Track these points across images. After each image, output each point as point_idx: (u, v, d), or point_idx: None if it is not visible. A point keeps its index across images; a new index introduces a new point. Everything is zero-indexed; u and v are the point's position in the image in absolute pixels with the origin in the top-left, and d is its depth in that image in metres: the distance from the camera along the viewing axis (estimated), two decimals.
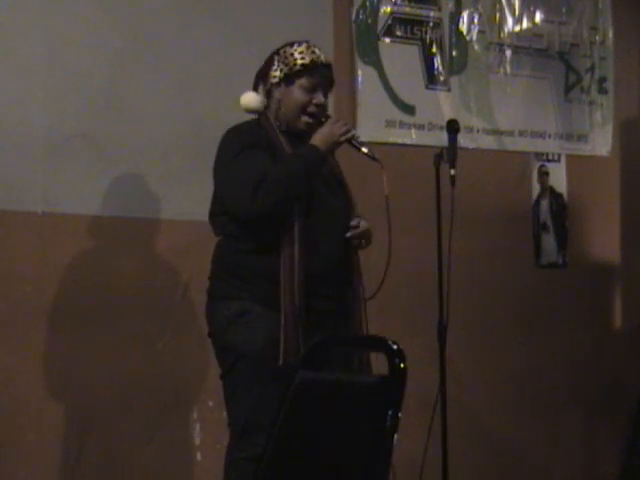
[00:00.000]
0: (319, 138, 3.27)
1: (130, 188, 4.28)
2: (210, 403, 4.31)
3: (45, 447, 4.07)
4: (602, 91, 5.63)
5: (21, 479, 4.03)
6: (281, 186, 3.15)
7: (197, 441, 4.36)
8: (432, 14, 5.09)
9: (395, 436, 2.05)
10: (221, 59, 4.44)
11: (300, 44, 3.35)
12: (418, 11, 5.05)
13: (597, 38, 5.62)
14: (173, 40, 4.39)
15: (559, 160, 5.48)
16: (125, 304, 4.22)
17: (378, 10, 4.94)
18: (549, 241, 5.44)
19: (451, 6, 5.15)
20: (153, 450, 4.26)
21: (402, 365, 2.09)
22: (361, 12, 4.89)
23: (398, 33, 4.99)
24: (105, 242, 4.22)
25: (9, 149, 4.04)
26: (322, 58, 3.35)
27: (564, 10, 5.51)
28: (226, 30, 4.49)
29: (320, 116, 3.33)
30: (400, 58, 4.98)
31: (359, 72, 4.86)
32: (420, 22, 5.05)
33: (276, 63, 3.34)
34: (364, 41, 4.89)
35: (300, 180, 3.19)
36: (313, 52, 3.34)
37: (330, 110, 3.50)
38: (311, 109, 3.32)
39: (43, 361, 4.08)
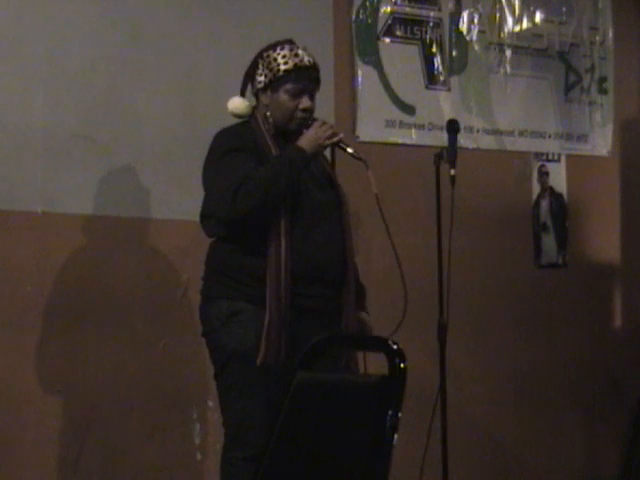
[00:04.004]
0: (305, 140, 3.26)
1: (130, 188, 4.28)
2: (210, 403, 4.31)
3: (45, 447, 4.07)
4: (602, 91, 5.62)
5: (21, 479, 4.03)
6: (261, 188, 3.15)
7: (197, 441, 4.36)
8: (432, 14, 5.09)
9: (395, 436, 2.05)
10: (221, 59, 4.44)
11: (283, 47, 3.30)
12: (418, 11, 5.05)
13: (597, 38, 5.61)
14: (173, 40, 4.39)
15: (559, 160, 5.48)
16: (125, 304, 4.22)
17: (378, 10, 4.93)
18: (549, 241, 5.43)
19: (451, 6, 5.15)
20: (153, 450, 4.26)
21: (402, 365, 2.10)
22: (361, 12, 4.89)
23: (398, 33, 4.99)
24: (105, 242, 4.22)
25: (9, 149, 4.04)
26: (306, 60, 3.29)
27: (564, 10, 5.51)
28: (226, 30, 4.49)
29: (307, 120, 3.31)
30: (400, 58, 4.98)
31: (359, 72, 4.85)
32: (420, 22, 5.05)
33: (260, 67, 3.31)
34: (364, 41, 4.89)
35: (282, 181, 3.17)
36: (296, 55, 3.28)
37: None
38: (298, 114, 3.30)
39: (43, 361, 4.07)
